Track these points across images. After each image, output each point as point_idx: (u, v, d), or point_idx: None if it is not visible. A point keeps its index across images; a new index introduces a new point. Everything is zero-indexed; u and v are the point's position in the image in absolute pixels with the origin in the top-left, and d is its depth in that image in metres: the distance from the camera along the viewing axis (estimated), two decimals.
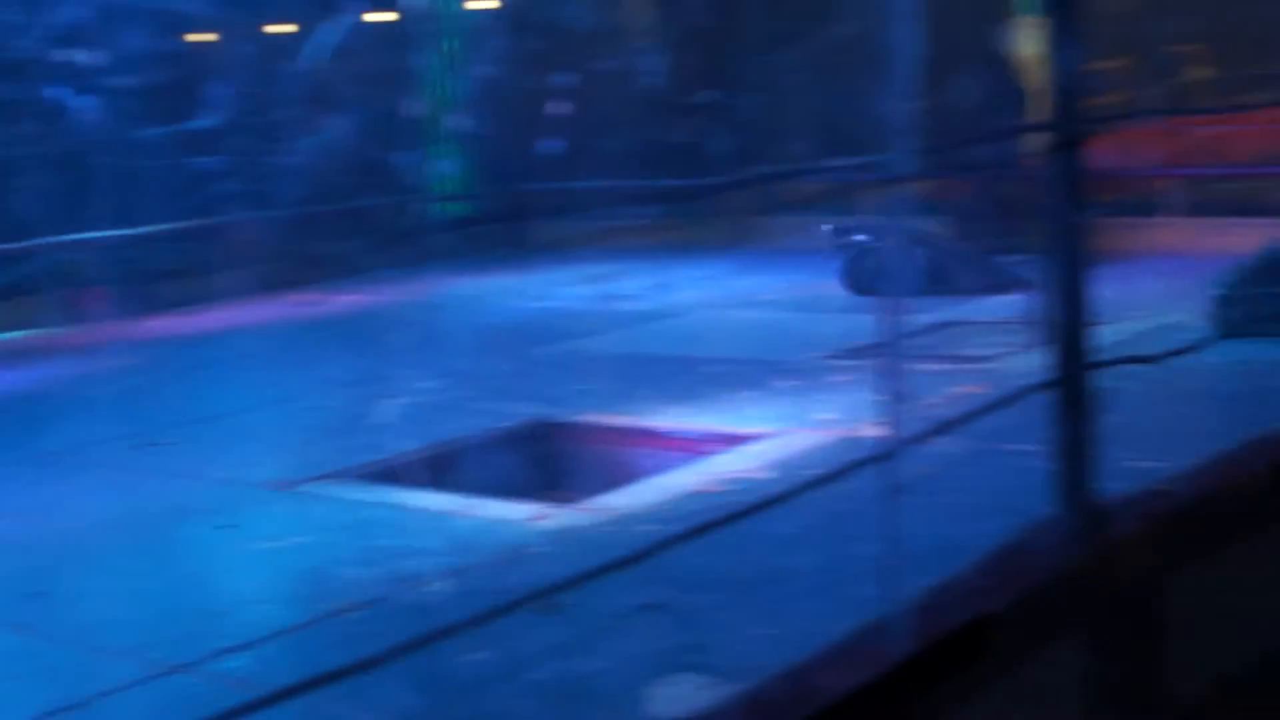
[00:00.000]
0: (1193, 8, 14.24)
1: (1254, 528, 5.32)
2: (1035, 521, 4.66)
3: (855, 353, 8.74)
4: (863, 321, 8.71)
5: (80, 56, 10.80)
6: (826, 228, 11.97)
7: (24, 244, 9.35)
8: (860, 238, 11.39)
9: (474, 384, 8.71)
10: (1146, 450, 5.97)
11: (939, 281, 10.73)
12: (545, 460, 7.56)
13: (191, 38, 12.44)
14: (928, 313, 9.84)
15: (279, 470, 7.01)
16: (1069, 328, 4.63)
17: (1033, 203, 13.19)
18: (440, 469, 6.92)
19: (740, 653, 4.46)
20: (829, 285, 11.40)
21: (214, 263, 11.85)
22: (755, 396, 8.09)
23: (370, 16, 12.01)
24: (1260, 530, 5.34)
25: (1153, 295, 9.97)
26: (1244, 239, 10.82)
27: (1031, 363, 5.31)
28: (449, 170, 13.36)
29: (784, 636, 4.49)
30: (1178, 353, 6.49)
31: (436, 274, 12.09)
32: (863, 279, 11.00)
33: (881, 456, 4.07)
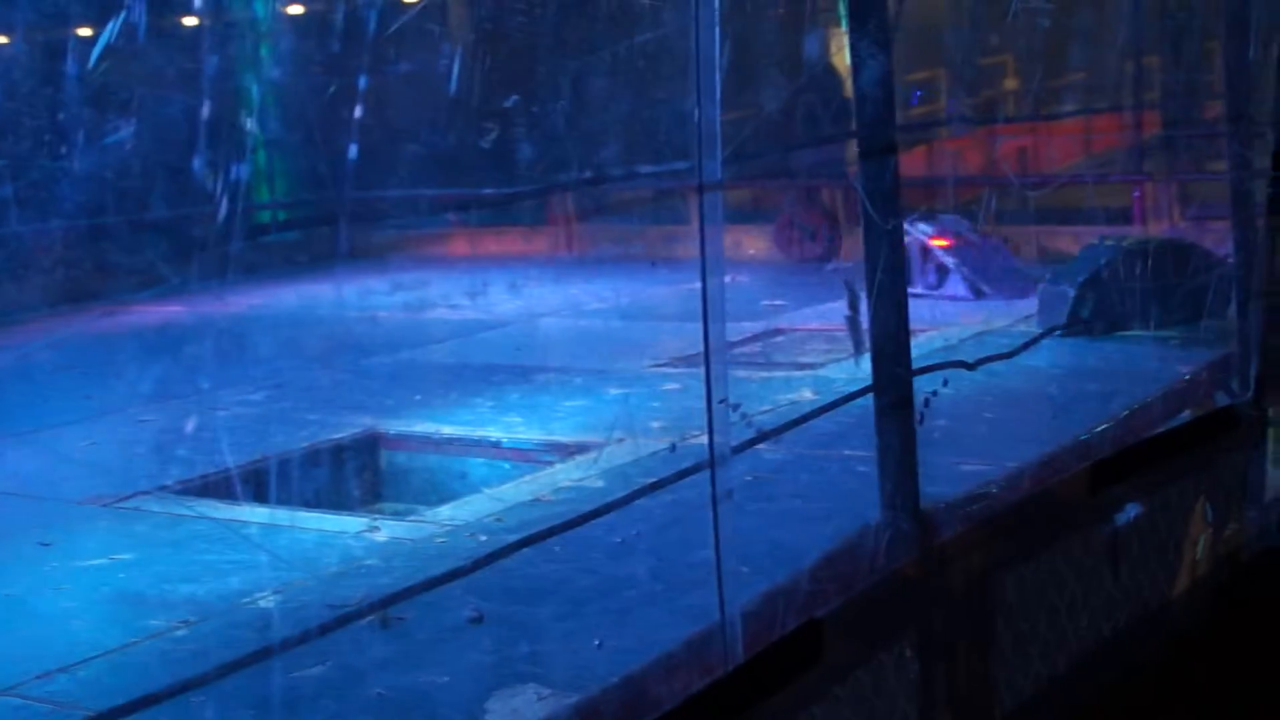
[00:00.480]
0: (998, 21, 14.59)
1: (1072, 528, 5.46)
2: (864, 526, 4.72)
3: (683, 360, 8.80)
4: (690, 329, 8.78)
5: None
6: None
7: None
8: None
9: (300, 395, 8.59)
10: (969, 454, 6.10)
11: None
12: (377, 472, 7.49)
13: None
14: (751, 320, 9.95)
15: (98, 486, 6.84)
16: (888, 334, 4.70)
17: (852, 210, 13.43)
18: (267, 483, 6.82)
19: (577, 663, 4.46)
20: (650, 292, 11.45)
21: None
22: (587, 405, 8.09)
23: (169, 18, 11.76)
24: (1078, 530, 5.48)
25: (972, 302, 10.20)
26: (1058, 244, 11.14)
27: (856, 369, 5.39)
28: (252, 177, 13.14)
29: (621, 645, 4.50)
30: (997, 357, 6.63)
31: (245, 284, 11.88)
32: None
33: (711, 464, 4.10)
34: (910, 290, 10.14)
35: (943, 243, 10.86)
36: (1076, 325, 8.44)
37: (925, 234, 10.90)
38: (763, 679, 3.99)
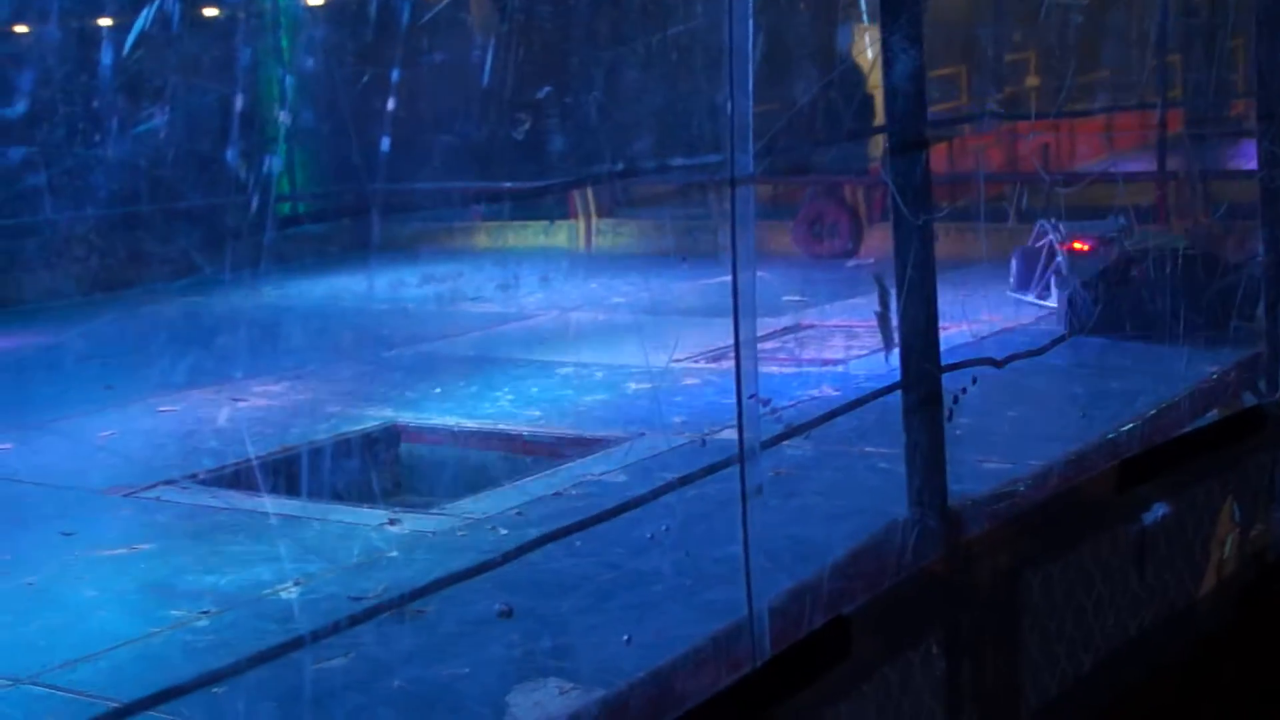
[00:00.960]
0: (1023, 18, 14.53)
1: (1099, 526, 5.42)
2: (891, 522, 4.69)
3: (707, 355, 8.78)
4: (713, 324, 8.77)
5: None
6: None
7: None
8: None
9: (324, 387, 8.59)
10: (995, 452, 6.07)
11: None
12: (399, 464, 7.48)
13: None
14: (774, 316, 9.92)
15: (120, 476, 6.84)
16: (918, 330, 4.66)
17: (875, 206, 13.39)
18: (290, 474, 6.81)
19: (601, 657, 4.44)
20: (678, 287, 11.43)
21: (33, 260, 11.49)
22: (610, 400, 8.07)
23: (200, 9, 11.76)
24: (1105, 529, 5.44)
25: (998, 298, 10.15)
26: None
27: (878, 366, 5.36)
28: (284, 168, 13.13)
29: (645, 641, 4.48)
30: (1024, 355, 6.59)
31: (275, 275, 11.90)
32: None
33: (741, 459, 4.07)
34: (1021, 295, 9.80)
35: (1082, 247, 9.52)
36: (1102, 325, 8.33)
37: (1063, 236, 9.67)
38: (790, 675, 3.96)
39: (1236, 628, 5.81)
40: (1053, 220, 9.88)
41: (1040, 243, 10.14)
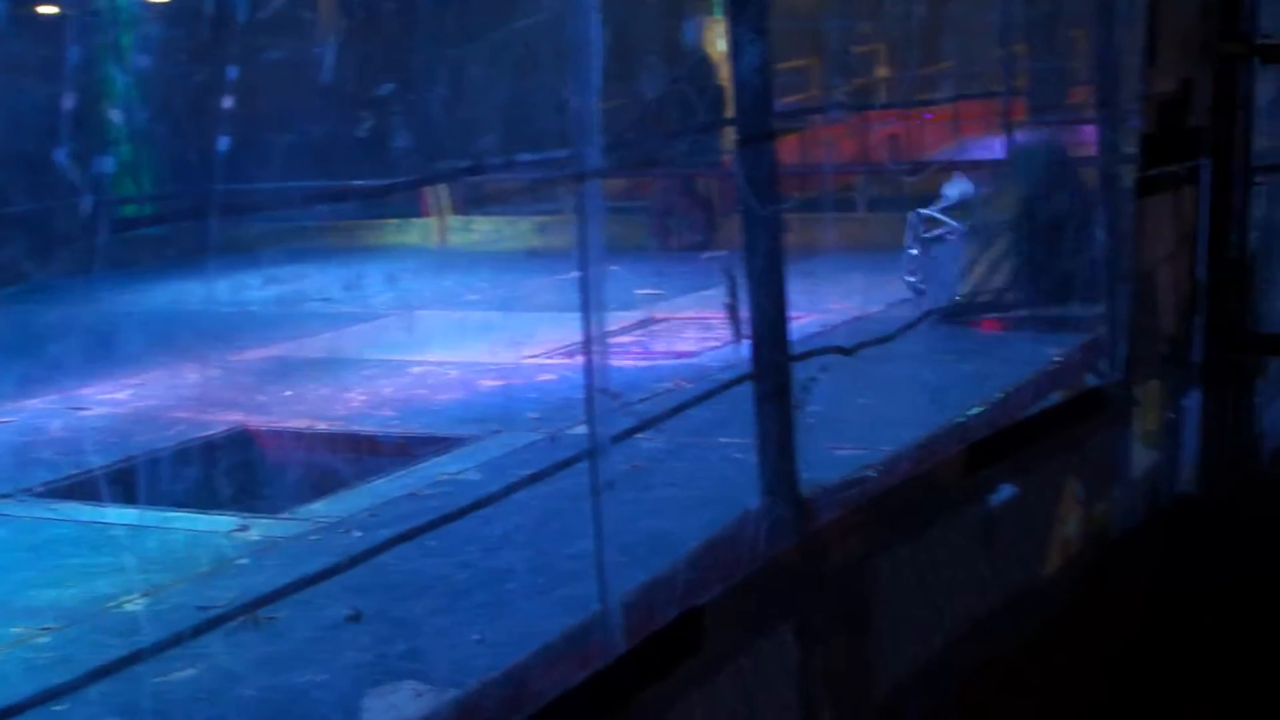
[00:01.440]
0: (870, 10, 14.71)
1: (947, 509, 5.49)
2: (743, 513, 4.71)
3: (559, 351, 8.77)
4: (565, 320, 8.75)
5: None
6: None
7: None
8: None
9: (169, 393, 8.43)
10: (846, 439, 6.13)
11: None
12: (248, 470, 7.37)
13: None
14: (627, 310, 9.93)
15: None
16: (768, 321, 4.69)
17: (728, 198, 13.44)
18: (135, 483, 6.68)
19: (456, 658, 4.41)
20: (530, 284, 11.40)
21: None
22: (463, 398, 8.04)
23: (34, 7, 11.48)
24: (953, 511, 5.51)
25: (848, 288, 10.25)
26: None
27: (733, 356, 5.38)
28: (118, 169, 12.84)
29: (500, 640, 4.46)
30: (873, 342, 6.66)
31: (113, 280, 11.64)
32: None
33: (592, 453, 4.06)
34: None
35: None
36: (954, 314, 8.43)
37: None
38: (645, 668, 3.96)
39: (1081, 606, 5.93)
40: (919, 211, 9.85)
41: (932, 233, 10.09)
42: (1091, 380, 6.48)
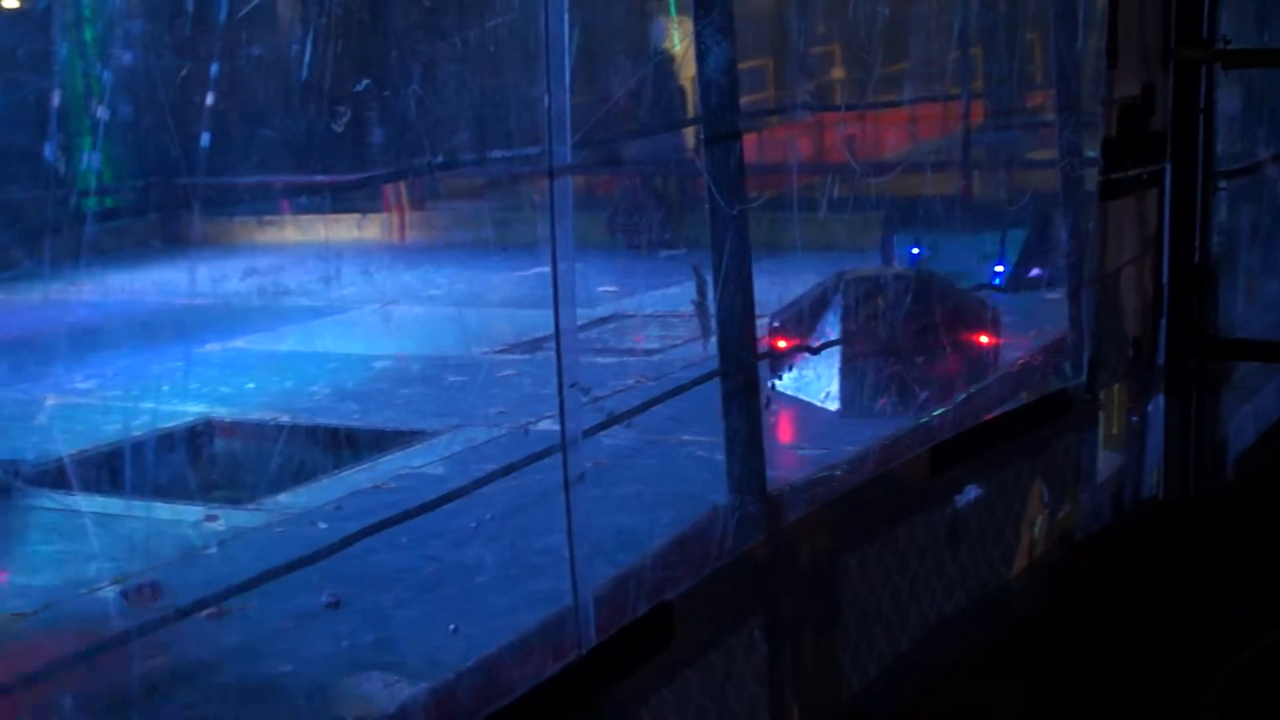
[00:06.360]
0: (831, 10, 14.75)
1: (913, 509, 5.54)
2: (711, 509, 4.74)
3: (525, 346, 8.77)
4: (530, 315, 8.76)
5: None
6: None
7: None
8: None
9: (137, 383, 8.40)
10: (810, 439, 6.17)
11: None
12: (215, 460, 7.36)
13: None
14: (589, 307, 9.94)
15: None
16: (735, 319, 4.72)
17: (693, 197, 13.46)
18: (102, 471, 6.64)
19: (426, 650, 4.42)
20: (493, 279, 11.40)
21: None
22: (428, 392, 8.03)
23: None
24: (919, 512, 5.55)
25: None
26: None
27: (699, 353, 5.41)
28: (93, 161, 12.76)
29: (469, 632, 4.47)
30: (838, 342, 6.71)
31: (84, 271, 11.57)
32: None
33: (564, 447, 4.08)
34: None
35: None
36: None
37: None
38: (615, 661, 3.99)
39: (1046, 606, 5.98)
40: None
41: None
42: (1056, 383, 6.53)
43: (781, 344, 7.34)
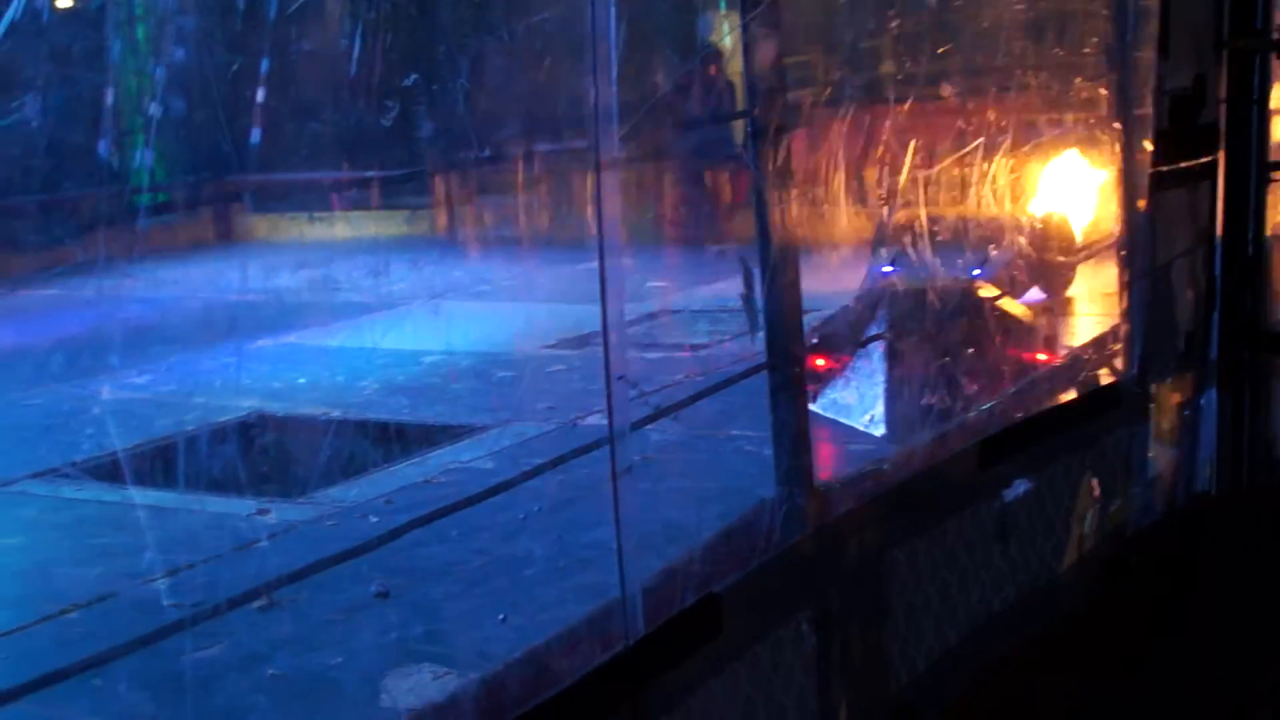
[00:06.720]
0: (878, 3, 14.69)
1: (962, 503, 5.52)
2: (759, 502, 4.74)
3: (573, 342, 8.80)
4: (578, 311, 8.77)
5: None
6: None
7: None
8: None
9: (190, 378, 8.47)
10: (857, 433, 6.16)
11: None
12: (267, 454, 7.41)
13: None
14: (637, 302, 9.95)
15: None
16: (782, 311, 4.72)
17: (738, 191, 13.45)
18: (158, 465, 6.71)
19: (474, 641, 4.45)
20: (542, 274, 11.42)
21: None
22: (477, 387, 8.07)
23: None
24: (968, 506, 5.53)
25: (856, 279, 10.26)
26: None
27: (746, 348, 5.40)
28: (146, 158, 12.85)
29: (518, 624, 4.50)
30: (878, 337, 6.70)
31: (140, 266, 11.66)
32: None
33: (611, 439, 4.09)
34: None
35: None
36: None
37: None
38: (663, 652, 4.00)
39: (1096, 601, 5.94)
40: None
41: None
42: (1107, 377, 6.49)
43: (820, 363, 7.08)
